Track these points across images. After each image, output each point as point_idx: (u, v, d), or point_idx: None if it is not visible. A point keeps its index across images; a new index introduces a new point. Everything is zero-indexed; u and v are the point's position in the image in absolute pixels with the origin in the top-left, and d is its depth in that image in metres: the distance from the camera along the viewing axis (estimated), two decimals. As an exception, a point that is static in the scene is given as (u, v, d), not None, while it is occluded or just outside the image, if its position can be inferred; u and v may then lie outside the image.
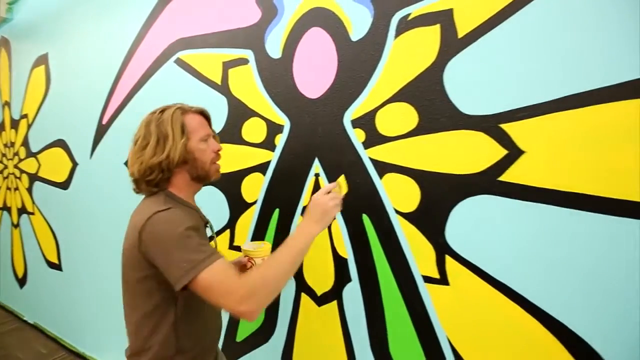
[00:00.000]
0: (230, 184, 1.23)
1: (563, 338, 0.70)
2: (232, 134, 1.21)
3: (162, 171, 0.77)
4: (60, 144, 2.05)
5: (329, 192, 0.80)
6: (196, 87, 1.34)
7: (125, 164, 1.70)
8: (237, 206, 1.22)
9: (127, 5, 1.64)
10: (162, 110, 0.81)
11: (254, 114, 1.16)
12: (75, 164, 1.96)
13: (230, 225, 1.24)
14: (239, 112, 1.19)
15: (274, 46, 1.10)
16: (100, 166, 1.81)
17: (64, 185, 2.04)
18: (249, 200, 1.18)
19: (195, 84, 1.34)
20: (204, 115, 0.87)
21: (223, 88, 1.24)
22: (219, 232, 1.28)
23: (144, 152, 0.77)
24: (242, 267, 0.92)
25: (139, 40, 1.61)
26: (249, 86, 1.16)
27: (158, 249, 0.68)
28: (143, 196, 0.83)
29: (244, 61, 1.18)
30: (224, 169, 1.25)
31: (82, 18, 1.89)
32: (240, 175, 1.20)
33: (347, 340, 1.00)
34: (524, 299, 0.74)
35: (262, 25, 1.12)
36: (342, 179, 0.96)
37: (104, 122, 1.80)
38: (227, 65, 1.23)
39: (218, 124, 1.26)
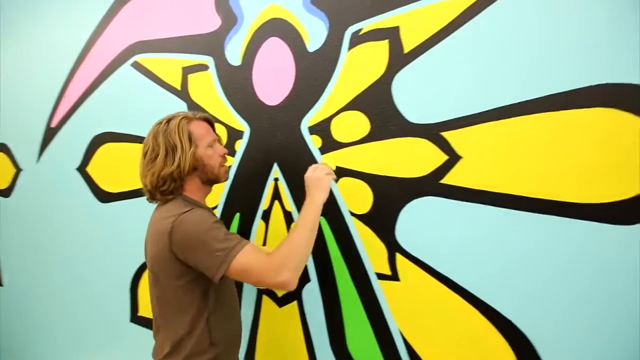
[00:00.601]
0: (190, 189, 1.22)
1: (497, 323, 0.78)
2: (192, 139, 1.21)
3: (174, 180, 0.80)
4: (2, 148, 1.90)
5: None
6: (155, 92, 1.32)
7: (78, 169, 1.62)
8: (198, 211, 1.21)
9: (80, 2, 1.58)
10: (168, 121, 0.83)
11: (214, 120, 1.16)
12: (18, 170, 1.83)
13: (191, 230, 1.23)
14: (199, 118, 1.19)
15: (234, 53, 1.12)
16: (48, 172, 1.71)
17: (5, 192, 1.90)
18: (209, 205, 1.18)
19: (154, 88, 1.32)
20: (208, 121, 0.90)
21: (183, 93, 1.24)
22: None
23: (155, 164, 0.80)
24: None
25: (93, 40, 1.55)
26: (208, 92, 1.17)
27: (191, 246, 0.72)
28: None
29: (203, 67, 1.18)
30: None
31: (30, 14, 1.79)
32: (200, 180, 1.19)
33: (307, 339, 1.04)
34: (465, 290, 0.81)
35: (222, 33, 1.14)
36: (324, 158, 0.99)
37: (53, 124, 1.71)
38: (187, 71, 1.22)
39: (177, 128, 1.25)
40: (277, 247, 0.75)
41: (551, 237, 0.72)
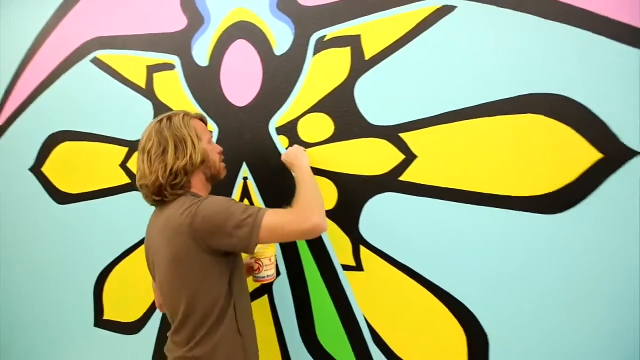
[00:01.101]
0: (158, 189, 1.21)
1: (450, 305, 0.86)
2: (158, 138, 1.20)
3: (186, 174, 0.81)
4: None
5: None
6: (117, 89, 1.29)
7: (32, 169, 1.54)
8: (166, 211, 1.21)
9: (30, -6, 1.49)
10: (169, 118, 0.84)
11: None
12: (-38, 171, 1.69)
13: (159, 230, 1.23)
14: (166, 117, 1.19)
15: (201, 54, 1.13)
16: (-4, 172, 1.60)
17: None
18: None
19: (116, 85, 1.29)
20: (203, 120, 0.92)
21: (148, 92, 1.22)
22: (146, 239, 1.25)
23: (166, 158, 0.79)
24: (249, 270, 0.95)
25: (46, 34, 1.48)
26: (175, 92, 1.17)
27: (217, 228, 0.73)
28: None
29: (170, 66, 1.18)
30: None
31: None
32: (168, 180, 1.19)
33: (279, 332, 1.08)
34: (421, 276, 0.89)
35: (189, 33, 1.15)
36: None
37: (0, 122, 1.60)
38: (152, 70, 1.21)
39: (143, 128, 1.24)
40: (294, 204, 0.79)
41: (493, 225, 0.82)
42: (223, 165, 0.91)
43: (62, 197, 1.48)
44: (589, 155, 0.73)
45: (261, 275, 0.90)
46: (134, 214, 1.29)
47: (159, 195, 0.80)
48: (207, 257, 0.76)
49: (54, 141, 1.48)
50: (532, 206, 0.78)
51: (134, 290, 1.32)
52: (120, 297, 1.37)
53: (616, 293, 0.72)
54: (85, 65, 1.38)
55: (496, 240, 0.82)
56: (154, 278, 0.89)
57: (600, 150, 0.72)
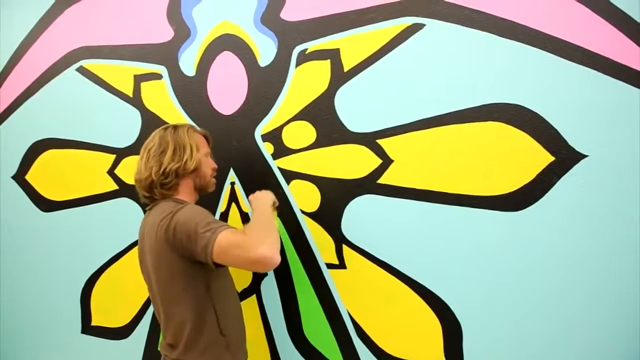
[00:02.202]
0: (146, 195, 1.25)
1: (427, 299, 0.93)
2: (146, 146, 1.23)
3: (176, 176, 0.86)
4: None
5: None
6: (104, 97, 1.31)
7: (15, 177, 1.54)
8: (154, 216, 1.24)
9: (12, 1, 1.50)
10: (175, 127, 0.92)
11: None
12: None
13: (147, 235, 1.26)
14: (154, 125, 1.21)
15: (188, 65, 1.17)
16: (-22, 181, 1.59)
17: None
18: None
19: (102, 94, 1.32)
20: (206, 138, 0.99)
21: (135, 100, 1.26)
22: (136, 243, 1.27)
23: (162, 157, 0.86)
24: None
25: (30, 41, 1.48)
26: (163, 100, 1.21)
27: (185, 234, 0.76)
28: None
29: (157, 76, 1.22)
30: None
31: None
32: (156, 186, 1.23)
33: (267, 331, 1.13)
34: (400, 272, 0.95)
35: (175, 44, 1.19)
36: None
37: (-18, 130, 1.59)
38: (139, 79, 1.25)
39: (131, 135, 1.27)
40: (247, 229, 0.80)
41: (463, 223, 0.89)
42: (213, 180, 0.98)
43: (46, 205, 1.48)
44: (543, 158, 0.82)
45: None
46: (122, 221, 1.32)
47: (149, 192, 0.87)
48: (182, 262, 0.80)
49: (38, 148, 1.49)
50: (496, 204, 0.86)
51: (122, 295, 1.34)
52: (108, 303, 1.38)
53: (571, 281, 0.81)
54: (70, 74, 1.39)
55: (465, 237, 0.89)
56: (147, 280, 0.93)
57: (552, 154, 0.81)
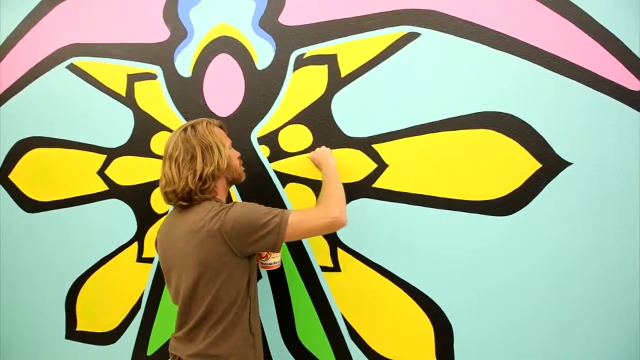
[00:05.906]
0: (139, 197, 1.23)
1: (419, 300, 0.95)
2: (141, 146, 1.22)
3: (213, 179, 0.85)
4: None
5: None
6: (95, 96, 1.29)
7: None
8: (147, 218, 1.22)
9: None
10: (193, 126, 0.87)
11: (163, 127, 1.19)
12: None
13: (139, 237, 1.24)
14: (148, 125, 1.21)
15: (184, 65, 1.17)
16: (-43, 180, 1.52)
17: None
18: (159, 211, 1.20)
19: (93, 92, 1.29)
20: (222, 128, 0.96)
21: (128, 100, 1.24)
22: (125, 246, 1.25)
23: (194, 164, 0.83)
24: (257, 256, 0.96)
25: (17, 36, 1.45)
26: (157, 101, 1.19)
27: (246, 229, 0.78)
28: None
29: (151, 76, 1.21)
30: (133, 182, 1.24)
31: None
32: (149, 187, 1.21)
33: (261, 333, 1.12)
34: (394, 275, 0.98)
35: (171, 44, 1.18)
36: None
37: (-37, 127, 1.53)
38: (133, 78, 1.23)
39: (123, 136, 1.25)
40: (318, 201, 0.86)
41: (455, 226, 0.92)
42: (242, 169, 0.96)
43: (31, 205, 1.44)
44: (531, 164, 0.86)
45: (268, 262, 0.95)
46: (111, 222, 1.29)
47: (187, 200, 0.84)
48: (234, 259, 0.80)
49: (23, 147, 1.44)
50: (487, 209, 0.89)
51: (110, 299, 1.30)
52: (95, 307, 1.34)
53: (559, 281, 0.85)
54: (60, 71, 1.36)
55: (458, 240, 0.92)
56: (168, 278, 0.90)
57: (540, 161, 0.85)
